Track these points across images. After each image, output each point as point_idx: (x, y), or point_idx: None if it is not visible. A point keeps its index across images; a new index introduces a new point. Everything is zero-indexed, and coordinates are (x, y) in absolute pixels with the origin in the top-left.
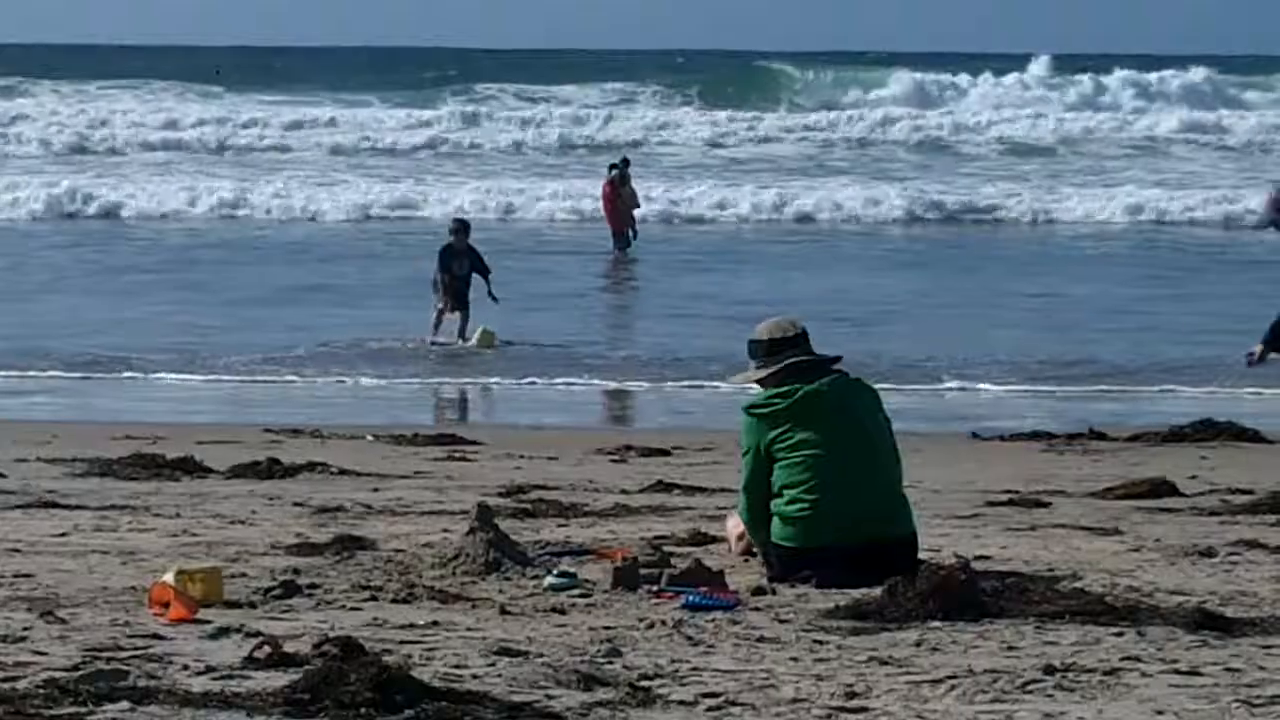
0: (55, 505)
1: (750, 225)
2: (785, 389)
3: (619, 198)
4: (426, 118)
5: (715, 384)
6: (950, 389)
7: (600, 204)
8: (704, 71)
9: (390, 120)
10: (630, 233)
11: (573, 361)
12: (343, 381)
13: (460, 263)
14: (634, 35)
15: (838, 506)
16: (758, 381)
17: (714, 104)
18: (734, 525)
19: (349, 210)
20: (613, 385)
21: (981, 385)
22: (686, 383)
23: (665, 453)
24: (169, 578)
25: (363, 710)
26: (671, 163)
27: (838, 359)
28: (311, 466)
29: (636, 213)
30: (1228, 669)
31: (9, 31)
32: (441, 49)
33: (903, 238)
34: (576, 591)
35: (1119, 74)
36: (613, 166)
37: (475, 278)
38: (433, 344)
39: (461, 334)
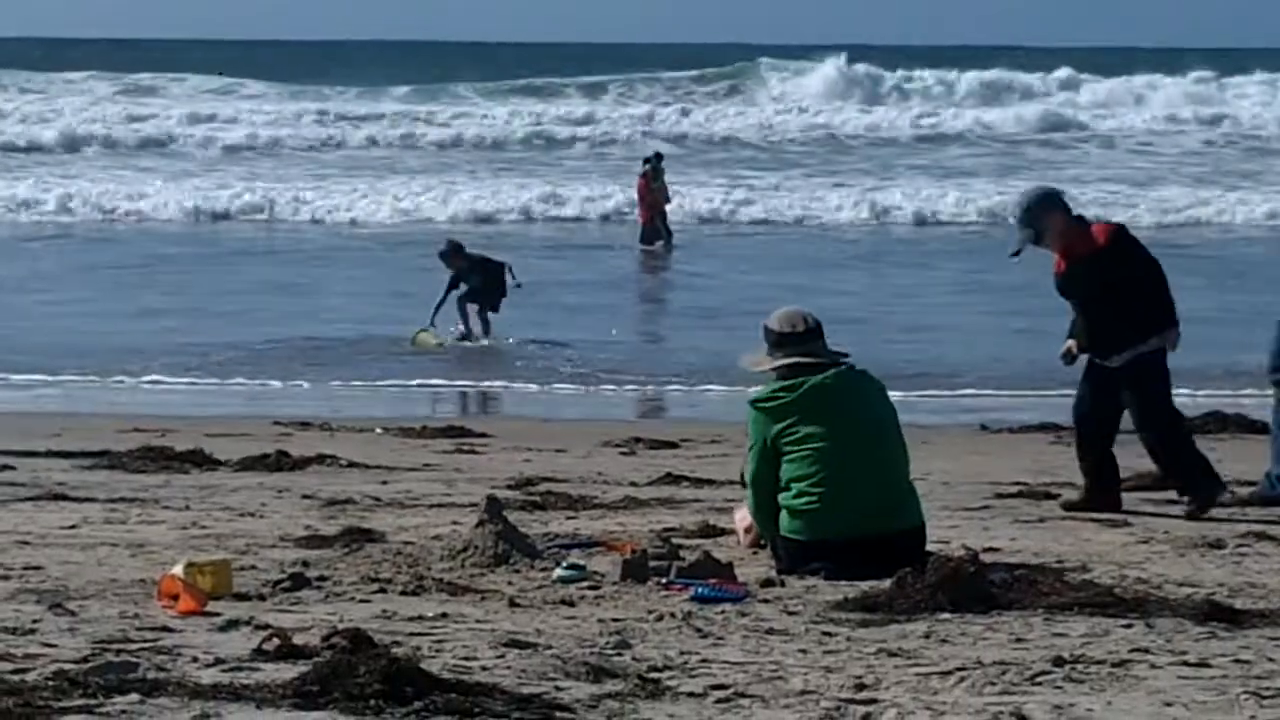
0: (64, 498)
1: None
2: (791, 382)
3: (651, 192)
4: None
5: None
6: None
7: (636, 198)
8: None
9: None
10: (663, 228)
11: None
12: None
13: (470, 278)
14: (633, 29)
15: (845, 499)
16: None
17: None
18: (742, 518)
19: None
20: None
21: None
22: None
23: (674, 445)
24: (178, 570)
25: (372, 702)
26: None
27: (840, 356)
28: (320, 459)
29: (668, 208)
30: (1236, 660)
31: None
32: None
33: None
34: (585, 584)
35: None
36: (646, 161)
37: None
38: (485, 342)
39: (485, 327)
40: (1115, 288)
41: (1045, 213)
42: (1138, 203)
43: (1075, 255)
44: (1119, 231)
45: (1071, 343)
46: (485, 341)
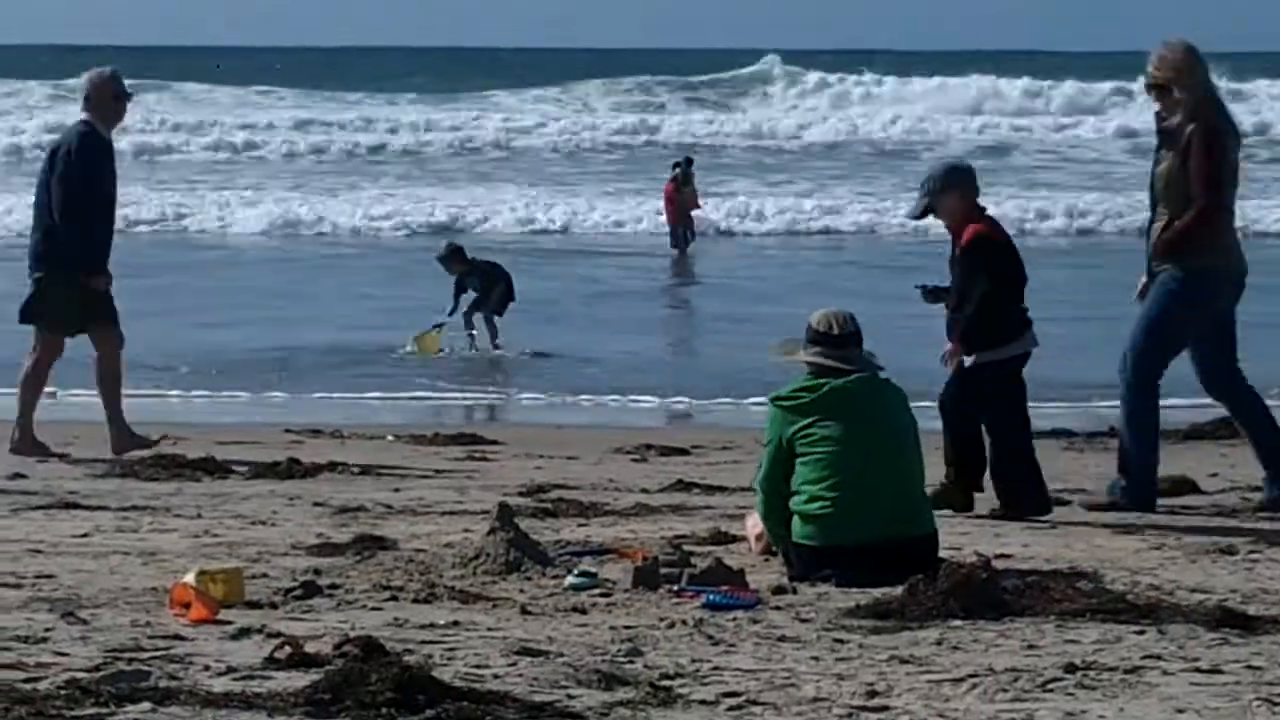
0: (76, 506)
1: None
2: (813, 383)
3: (679, 195)
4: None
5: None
6: None
7: (663, 202)
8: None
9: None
10: (686, 232)
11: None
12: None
13: (470, 282)
14: (636, 34)
15: (858, 505)
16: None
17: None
18: (754, 524)
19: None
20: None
21: None
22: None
23: (684, 452)
24: (190, 578)
25: (384, 710)
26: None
27: (874, 367)
28: (332, 466)
29: (696, 214)
30: (1249, 667)
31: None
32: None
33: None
34: (597, 591)
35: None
36: (675, 165)
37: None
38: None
39: (492, 334)
40: (988, 284)
41: (944, 188)
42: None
43: (956, 242)
44: (989, 231)
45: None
46: (493, 350)
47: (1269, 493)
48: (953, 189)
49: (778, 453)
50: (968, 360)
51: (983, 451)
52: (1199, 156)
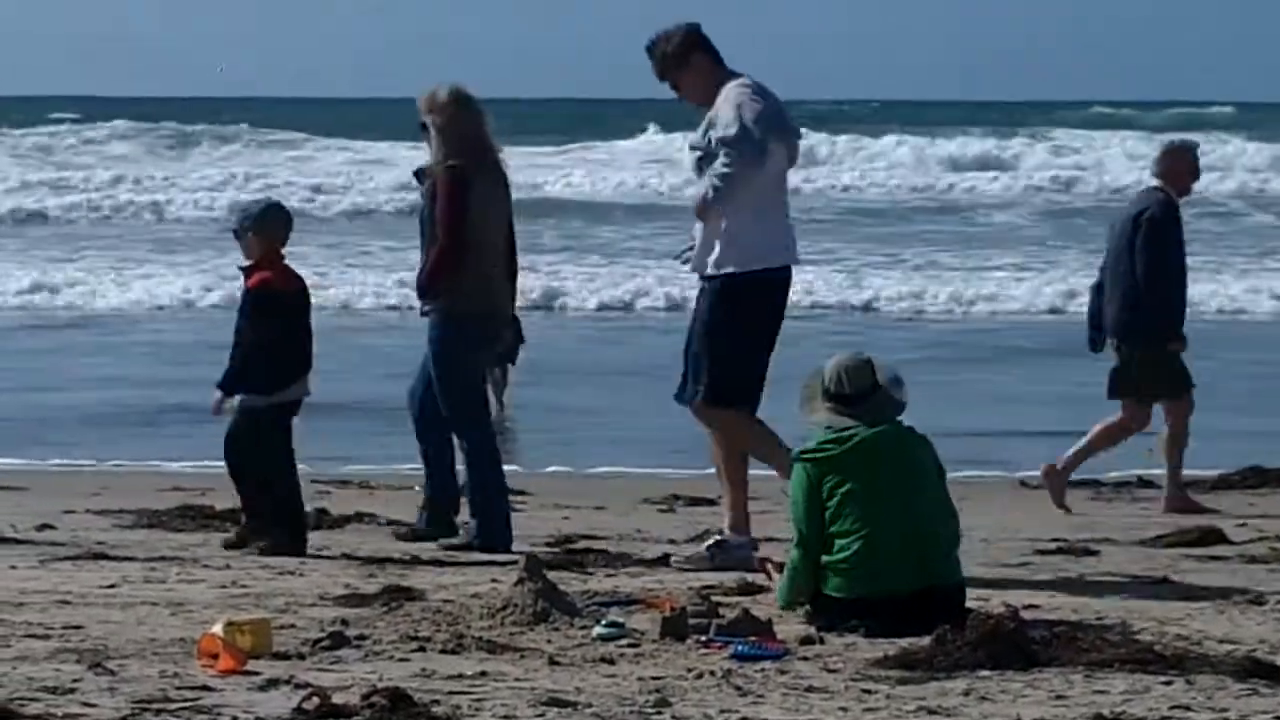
0: (104, 556)
1: None
2: (839, 435)
3: None
4: None
5: None
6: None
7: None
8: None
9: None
10: None
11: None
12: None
13: None
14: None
15: (886, 556)
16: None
17: None
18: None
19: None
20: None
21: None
22: None
23: (712, 502)
24: (218, 629)
25: None
26: None
27: (895, 411)
28: (359, 517)
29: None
30: (1277, 718)
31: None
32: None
33: None
34: (625, 641)
35: None
36: None
37: None
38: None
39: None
40: (256, 333)
41: (251, 228)
42: None
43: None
44: (274, 281)
45: None
46: (499, 410)
47: (418, 521)
48: (256, 232)
49: (809, 506)
50: (235, 400)
51: None
52: (441, 200)
